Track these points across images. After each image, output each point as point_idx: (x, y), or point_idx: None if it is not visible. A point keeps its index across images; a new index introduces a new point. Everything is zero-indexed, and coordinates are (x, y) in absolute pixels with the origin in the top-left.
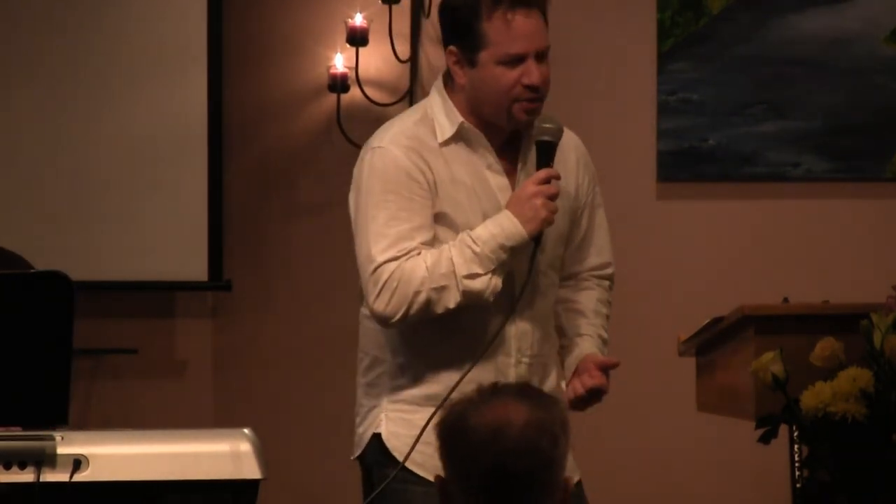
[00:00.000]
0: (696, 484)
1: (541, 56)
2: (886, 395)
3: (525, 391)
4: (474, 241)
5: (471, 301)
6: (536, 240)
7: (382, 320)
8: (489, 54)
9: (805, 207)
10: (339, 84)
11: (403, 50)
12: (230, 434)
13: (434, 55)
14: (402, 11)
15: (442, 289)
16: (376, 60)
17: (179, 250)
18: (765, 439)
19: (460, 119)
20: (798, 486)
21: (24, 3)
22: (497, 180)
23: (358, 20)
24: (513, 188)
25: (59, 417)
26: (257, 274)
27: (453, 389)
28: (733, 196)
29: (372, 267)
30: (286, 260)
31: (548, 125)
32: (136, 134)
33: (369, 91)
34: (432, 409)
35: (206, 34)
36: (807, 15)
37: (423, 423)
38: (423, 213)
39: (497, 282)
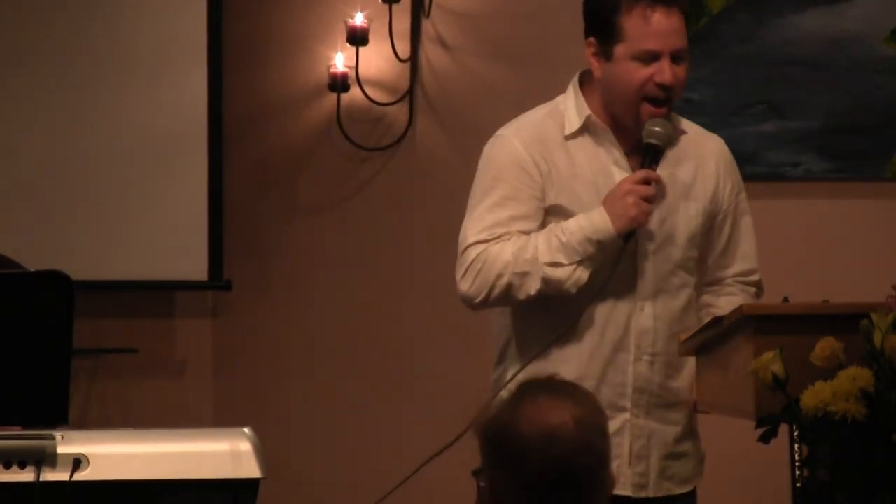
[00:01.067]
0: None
1: (677, 57)
2: (886, 395)
3: (560, 387)
4: (563, 231)
5: (552, 290)
6: (626, 237)
7: (466, 301)
8: (625, 48)
9: (805, 207)
10: (339, 84)
11: (404, 49)
12: (230, 434)
13: (434, 55)
14: (403, 11)
15: (524, 274)
16: (376, 60)
17: (179, 250)
18: (765, 439)
19: (588, 112)
20: (798, 485)
21: (22, 1)
22: (622, 177)
23: (358, 20)
24: None
25: (59, 417)
26: (257, 274)
27: (518, 373)
28: None
29: (462, 248)
30: (286, 260)
31: (657, 128)
32: (136, 134)
33: (369, 91)
34: None
35: (206, 34)
36: (807, 15)
37: None
38: (528, 204)
39: (582, 274)
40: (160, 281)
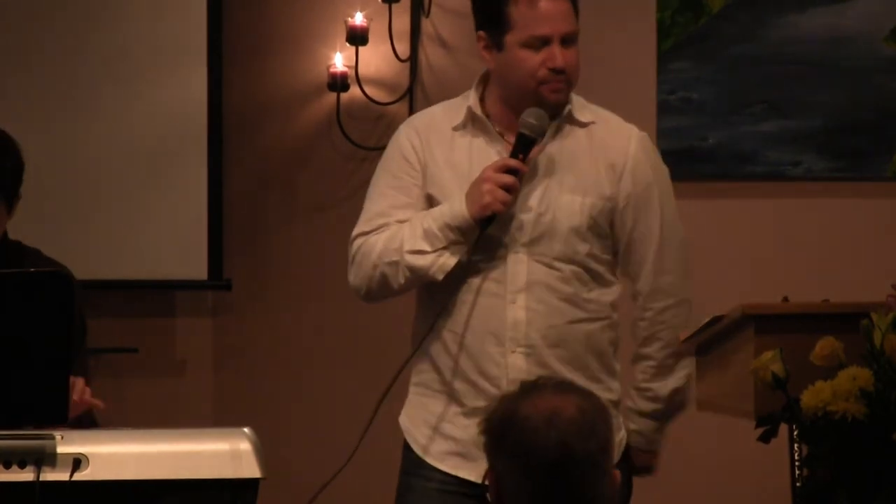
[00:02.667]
0: (695, 483)
1: (566, 40)
2: (886, 395)
3: (566, 385)
4: (427, 219)
5: (419, 278)
6: (484, 224)
7: (356, 295)
8: (514, 37)
9: (805, 207)
10: (338, 83)
11: (403, 49)
12: (230, 433)
13: (434, 54)
14: (402, 10)
15: (393, 264)
16: (376, 59)
17: (179, 250)
18: (765, 438)
19: (469, 104)
20: (798, 485)
21: (22, 2)
22: None
23: (358, 19)
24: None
25: (59, 417)
26: (257, 274)
27: (399, 371)
28: (733, 195)
29: (350, 242)
30: (286, 259)
31: (531, 120)
32: (136, 133)
33: (369, 90)
34: (444, 396)
35: (206, 34)
36: (807, 14)
37: (438, 410)
38: (409, 193)
39: (447, 260)
40: (160, 281)
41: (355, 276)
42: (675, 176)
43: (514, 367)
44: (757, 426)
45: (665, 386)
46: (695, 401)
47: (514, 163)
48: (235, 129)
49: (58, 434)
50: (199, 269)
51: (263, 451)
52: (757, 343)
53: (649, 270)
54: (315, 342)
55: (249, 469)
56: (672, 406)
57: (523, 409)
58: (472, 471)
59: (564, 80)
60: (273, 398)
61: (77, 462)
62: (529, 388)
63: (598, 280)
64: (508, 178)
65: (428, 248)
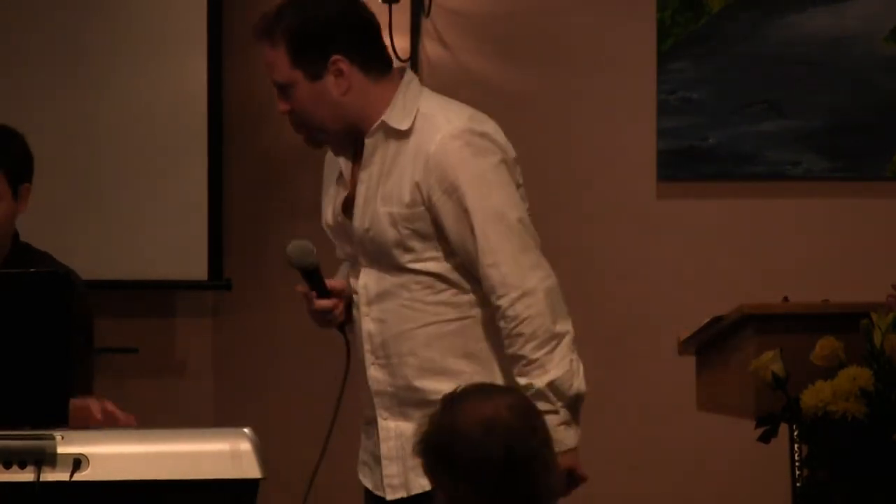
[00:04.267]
0: (696, 483)
1: (278, 88)
2: (886, 394)
3: (485, 387)
4: None
5: None
6: (340, 331)
7: None
8: None
9: (805, 207)
10: None
11: (403, 48)
12: (230, 433)
13: (434, 54)
14: (402, 10)
15: None
16: None
17: (179, 250)
18: (765, 438)
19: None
20: (798, 485)
21: None
22: (342, 185)
23: None
24: (352, 195)
25: (59, 417)
26: (257, 274)
27: (341, 393)
28: (733, 195)
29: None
30: (286, 259)
31: (292, 257)
32: (136, 133)
33: None
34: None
35: (206, 31)
36: (807, 14)
37: (363, 423)
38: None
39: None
40: (160, 281)
41: None
42: (675, 176)
43: (375, 380)
44: (757, 426)
45: (542, 380)
46: (695, 401)
47: (310, 297)
48: (236, 129)
49: (58, 434)
50: (199, 269)
51: (263, 451)
52: (757, 343)
53: (480, 265)
54: (315, 342)
55: (249, 469)
56: (562, 398)
57: (457, 424)
58: (371, 481)
59: (297, 120)
60: (273, 398)
61: (77, 462)
62: (453, 401)
63: (447, 281)
64: (319, 308)
65: None
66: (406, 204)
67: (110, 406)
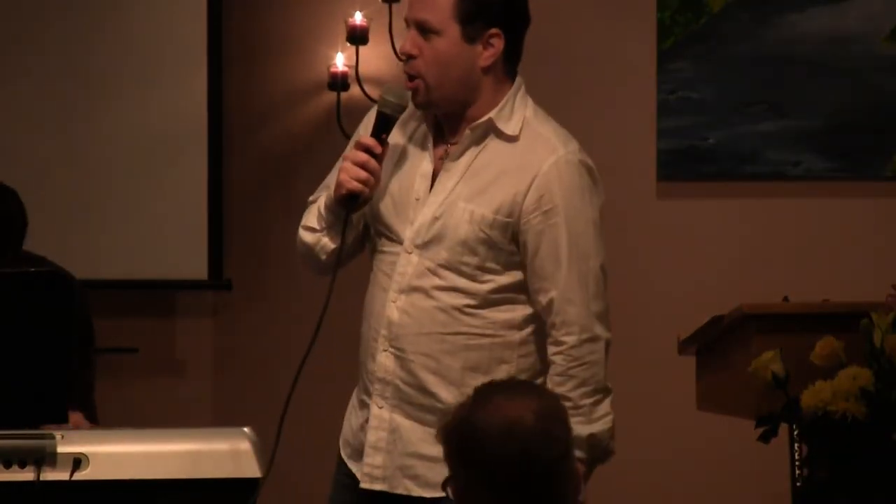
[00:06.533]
0: (696, 483)
1: (423, 29)
2: (886, 394)
3: (517, 385)
4: (326, 196)
5: (308, 255)
6: (346, 206)
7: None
8: None
9: (805, 207)
10: (339, 82)
11: None
12: (230, 433)
13: None
14: (402, 10)
15: (299, 240)
16: (376, 59)
17: (179, 250)
18: (765, 438)
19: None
20: (798, 485)
21: (23, 2)
22: (425, 164)
23: (358, 18)
24: (434, 174)
25: (59, 417)
26: (257, 274)
27: (303, 361)
28: (733, 195)
29: None
30: (286, 259)
31: (390, 98)
32: (136, 133)
33: (369, 89)
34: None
35: (206, 33)
36: (807, 14)
37: (355, 401)
38: None
39: (327, 242)
40: (160, 281)
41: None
42: (675, 176)
43: (382, 367)
44: (757, 426)
45: (583, 430)
46: (695, 401)
47: (370, 142)
48: (236, 129)
49: (58, 434)
50: (199, 269)
51: (263, 451)
52: (757, 343)
53: (555, 298)
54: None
55: (249, 469)
56: (593, 453)
57: (479, 421)
58: (354, 463)
59: (414, 70)
60: (273, 398)
61: (77, 462)
62: (483, 395)
63: (493, 299)
64: (362, 157)
65: (316, 227)
66: (495, 209)
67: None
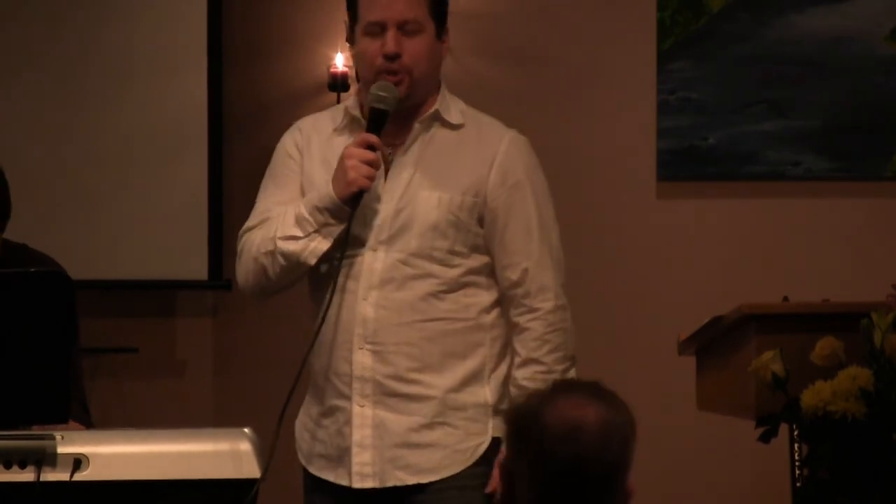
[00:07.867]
0: (696, 483)
1: (405, 28)
2: (887, 394)
3: (597, 390)
4: (298, 206)
5: (292, 264)
6: (352, 203)
7: (244, 292)
8: (360, 27)
9: (805, 207)
10: (339, 83)
11: None
12: (230, 433)
13: None
14: None
15: (269, 253)
16: None
17: (179, 250)
18: (765, 438)
19: (345, 106)
20: (798, 485)
21: (24, 3)
22: None
23: None
24: (385, 173)
25: (59, 417)
26: None
27: (303, 361)
28: (733, 195)
29: (238, 239)
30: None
31: (381, 93)
32: (136, 133)
33: None
34: (315, 397)
35: (206, 33)
36: (807, 14)
37: (313, 412)
38: (292, 189)
39: (318, 245)
40: (160, 281)
41: (238, 272)
42: (675, 176)
43: (360, 365)
44: (757, 426)
45: None
46: (695, 401)
47: (372, 138)
48: (236, 129)
49: (58, 434)
50: (199, 269)
51: (263, 451)
52: (757, 343)
53: (529, 268)
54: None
55: (249, 469)
56: None
57: (548, 416)
58: (332, 472)
59: (401, 67)
60: (273, 398)
61: (77, 462)
62: (557, 391)
63: (465, 282)
64: (370, 154)
65: (300, 234)
66: (462, 191)
67: None
